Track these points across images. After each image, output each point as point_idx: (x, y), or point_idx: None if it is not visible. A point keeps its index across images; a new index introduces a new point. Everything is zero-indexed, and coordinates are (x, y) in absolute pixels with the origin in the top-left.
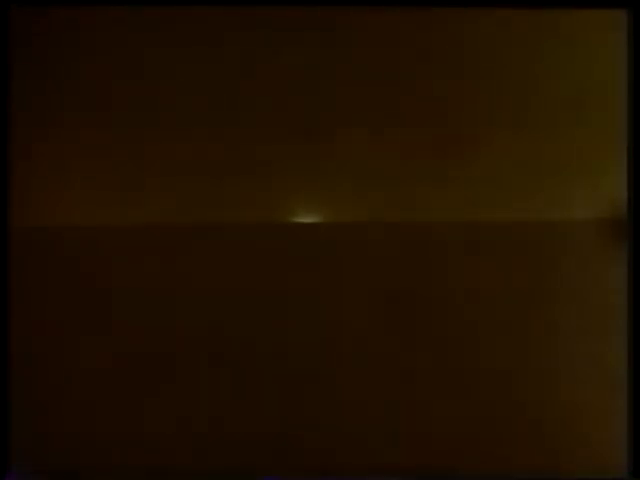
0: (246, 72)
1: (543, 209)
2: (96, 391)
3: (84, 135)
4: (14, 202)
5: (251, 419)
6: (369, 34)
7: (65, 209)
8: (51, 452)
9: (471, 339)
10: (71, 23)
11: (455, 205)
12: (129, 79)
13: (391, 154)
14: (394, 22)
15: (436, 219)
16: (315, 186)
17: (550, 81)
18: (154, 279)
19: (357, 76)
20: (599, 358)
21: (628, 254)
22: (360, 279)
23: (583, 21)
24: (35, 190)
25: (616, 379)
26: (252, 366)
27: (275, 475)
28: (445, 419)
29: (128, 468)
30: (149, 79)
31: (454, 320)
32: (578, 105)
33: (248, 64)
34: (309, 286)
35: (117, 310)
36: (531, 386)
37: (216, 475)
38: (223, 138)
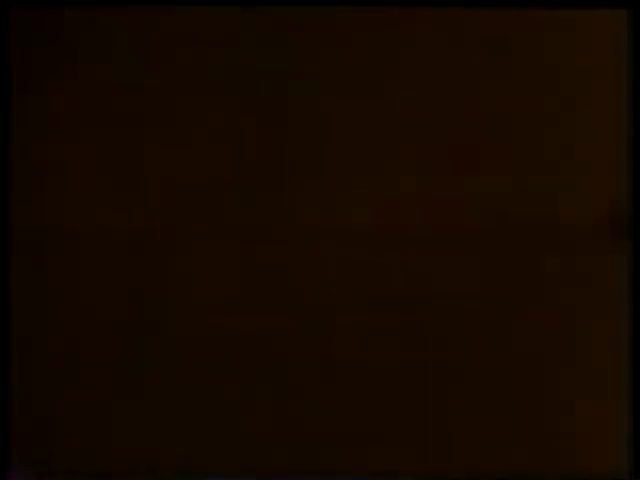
0: (247, 72)
1: (543, 209)
2: (96, 390)
3: (84, 135)
4: (14, 201)
5: (251, 420)
6: (369, 34)
7: (65, 209)
8: (51, 452)
9: (471, 339)
10: (71, 23)
11: (455, 205)
12: (129, 79)
13: (391, 154)
14: (394, 22)
15: (436, 219)
16: (315, 187)
17: (550, 81)
18: (154, 279)
19: (358, 78)
20: (599, 358)
21: (628, 254)
22: (359, 280)
23: (583, 21)
24: (35, 190)
25: (616, 379)
26: (254, 369)
27: (277, 476)
28: (444, 420)
29: (128, 468)
30: (150, 79)
31: (453, 321)
32: (578, 105)
33: (248, 64)
34: (309, 286)
35: (117, 309)
36: (531, 386)
37: (219, 475)
38: (222, 139)
